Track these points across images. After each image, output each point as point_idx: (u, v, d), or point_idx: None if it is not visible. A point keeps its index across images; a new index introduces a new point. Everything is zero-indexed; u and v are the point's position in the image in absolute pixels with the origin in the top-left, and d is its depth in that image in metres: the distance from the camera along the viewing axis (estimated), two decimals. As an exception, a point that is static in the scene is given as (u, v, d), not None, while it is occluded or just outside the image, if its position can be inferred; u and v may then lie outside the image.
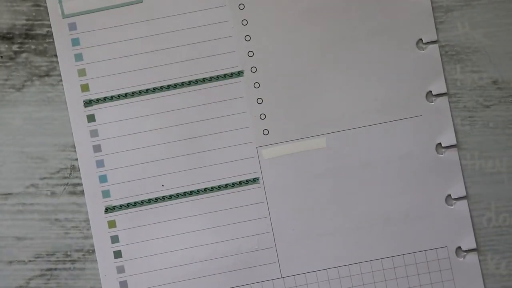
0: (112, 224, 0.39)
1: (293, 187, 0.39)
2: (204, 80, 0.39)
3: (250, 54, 0.40)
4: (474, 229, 0.39)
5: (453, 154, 0.39)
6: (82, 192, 0.39)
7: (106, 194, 0.39)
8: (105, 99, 0.39)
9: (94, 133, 0.39)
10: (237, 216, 0.39)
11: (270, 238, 0.39)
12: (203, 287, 0.39)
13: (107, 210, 0.39)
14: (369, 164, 0.39)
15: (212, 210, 0.39)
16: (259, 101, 0.40)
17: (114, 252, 0.39)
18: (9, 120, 0.40)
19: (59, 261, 0.39)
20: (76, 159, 0.40)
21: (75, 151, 0.40)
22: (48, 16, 0.40)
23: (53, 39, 0.40)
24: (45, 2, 0.40)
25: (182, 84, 0.39)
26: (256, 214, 0.39)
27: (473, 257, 0.39)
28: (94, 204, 0.39)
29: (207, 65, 0.39)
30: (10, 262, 0.39)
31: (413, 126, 0.39)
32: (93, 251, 0.39)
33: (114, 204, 0.39)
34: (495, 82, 0.40)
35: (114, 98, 0.39)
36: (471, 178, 0.40)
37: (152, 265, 0.39)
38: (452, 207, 0.39)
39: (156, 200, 0.39)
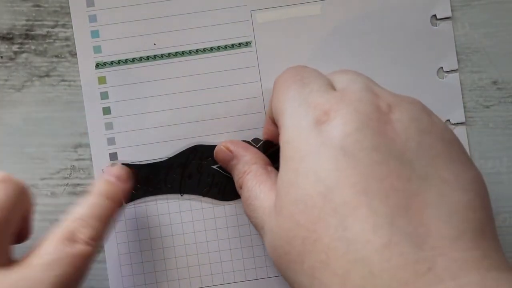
0: (102, 80, 0.39)
1: (285, 52, 0.39)
2: None
3: None
4: (464, 104, 0.39)
5: (447, 26, 0.39)
6: (82, 193, 0.39)
7: (97, 49, 0.39)
8: None
9: None
10: (228, 79, 0.39)
11: (260, 102, 0.39)
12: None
13: (98, 66, 0.39)
14: (363, 33, 0.39)
15: (203, 71, 0.39)
16: None
17: (104, 108, 0.39)
18: (9, 121, 0.40)
19: (59, 261, 0.39)
20: (76, 160, 0.39)
21: (76, 151, 0.39)
22: (48, 16, 0.40)
23: (53, 39, 0.40)
24: (46, 3, 0.40)
25: None
26: (247, 78, 0.39)
27: (461, 131, 0.39)
28: (85, 60, 0.39)
29: None
30: (10, 263, 0.39)
31: None
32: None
33: (105, 60, 0.39)
34: (495, 83, 0.40)
35: None
36: (471, 178, 0.40)
37: (141, 124, 0.39)
38: (443, 80, 0.39)
39: (148, 58, 0.39)
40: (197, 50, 0.40)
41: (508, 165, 0.40)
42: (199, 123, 0.39)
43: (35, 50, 0.40)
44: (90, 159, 0.40)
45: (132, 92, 0.39)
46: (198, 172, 0.39)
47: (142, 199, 0.39)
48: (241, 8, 0.40)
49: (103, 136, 0.39)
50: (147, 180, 0.39)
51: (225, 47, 0.40)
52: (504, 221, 0.40)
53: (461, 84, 0.40)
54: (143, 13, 0.39)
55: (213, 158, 0.39)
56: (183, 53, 0.39)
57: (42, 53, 0.40)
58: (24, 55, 0.40)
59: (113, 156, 0.39)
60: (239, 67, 0.40)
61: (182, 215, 0.39)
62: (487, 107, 0.40)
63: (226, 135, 0.39)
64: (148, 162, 0.39)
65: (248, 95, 0.39)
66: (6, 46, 0.40)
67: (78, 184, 0.40)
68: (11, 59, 0.40)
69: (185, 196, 0.39)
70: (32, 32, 0.40)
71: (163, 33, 0.39)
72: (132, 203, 0.39)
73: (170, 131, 0.39)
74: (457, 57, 0.40)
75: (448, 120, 0.39)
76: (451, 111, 0.39)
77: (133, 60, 0.39)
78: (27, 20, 0.40)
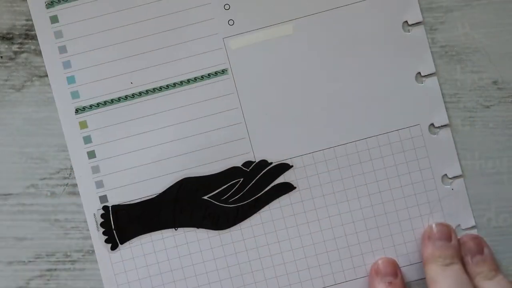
0: (83, 124, 0.39)
1: (262, 75, 0.39)
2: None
3: None
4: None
5: (419, 31, 0.39)
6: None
7: (75, 95, 0.39)
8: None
9: (58, 34, 0.39)
10: (208, 108, 0.39)
11: (243, 128, 0.39)
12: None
13: (78, 111, 0.39)
14: (337, 47, 0.39)
15: (182, 104, 0.39)
16: None
17: (88, 152, 0.39)
18: (9, 121, 0.40)
19: (59, 261, 0.39)
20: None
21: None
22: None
23: (53, 39, 0.40)
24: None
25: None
26: (227, 105, 0.39)
27: (446, 133, 0.39)
28: (64, 107, 0.39)
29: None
30: (10, 263, 0.39)
31: (379, 6, 0.39)
32: (93, 251, 0.39)
33: (84, 105, 0.39)
34: (495, 82, 0.40)
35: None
36: (471, 179, 0.40)
37: (127, 163, 0.39)
38: (422, 84, 0.39)
39: (126, 97, 0.39)
40: (174, 84, 0.39)
41: (508, 165, 0.40)
42: (185, 156, 0.39)
43: (35, 50, 0.40)
44: (90, 159, 0.40)
45: (115, 133, 0.39)
46: (190, 205, 0.39)
47: (137, 238, 0.39)
48: (213, 37, 0.39)
49: (91, 180, 0.39)
50: (139, 218, 0.39)
51: (202, 77, 0.39)
52: (504, 221, 0.40)
53: (461, 84, 0.40)
54: (116, 53, 0.39)
55: (202, 189, 0.39)
56: (160, 89, 0.39)
57: (42, 53, 0.40)
58: (24, 55, 0.40)
59: (103, 199, 0.39)
60: (218, 96, 0.39)
61: (178, 249, 0.39)
62: (487, 107, 0.40)
63: (213, 164, 0.39)
64: (139, 200, 0.39)
65: (231, 122, 0.39)
66: (6, 46, 0.40)
67: (78, 184, 0.40)
68: (11, 59, 0.40)
69: (180, 229, 0.39)
70: (32, 32, 0.40)
71: (139, 71, 0.39)
72: (127, 243, 0.39)
73: (157, 167, 0.39)
74: (457, 57, 0.40)
75: (432, 124, 0.39)
76: (434, 114, 0.39)
77: (112, 101, 0.39)
78: (27, 20, 0.40)
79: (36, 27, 0.39)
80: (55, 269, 0.39)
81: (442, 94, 0.40)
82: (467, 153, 0.40)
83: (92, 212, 0.39)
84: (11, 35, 0.40)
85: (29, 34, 0.40)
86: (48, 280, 0.39)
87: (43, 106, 0.40)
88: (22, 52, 0.40)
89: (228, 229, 0.39)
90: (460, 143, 0.40)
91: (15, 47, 0.40)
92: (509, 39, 0.40)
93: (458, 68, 0.40)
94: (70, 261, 0.39)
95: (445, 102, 0.40)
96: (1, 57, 0.40)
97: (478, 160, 0.40)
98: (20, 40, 0.40)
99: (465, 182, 0.39)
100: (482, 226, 0.40)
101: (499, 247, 0.40)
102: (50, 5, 0.39)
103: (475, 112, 0.40)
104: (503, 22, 0.40)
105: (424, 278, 0.37)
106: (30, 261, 0.39)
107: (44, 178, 0.40)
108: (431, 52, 0.40)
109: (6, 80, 0.40)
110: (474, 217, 0.39)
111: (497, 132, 0.40)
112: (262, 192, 0.39)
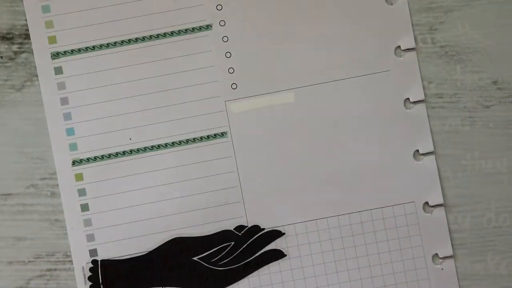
0: (79, 177, 0.39)
1: (261, 141, 0.39)
2: (172, 34, 0.39)
3: (219, 7, 0.40)
4: (441, 185, 0.39)
5: (421, 109, 0.40)
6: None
7: (73, 147, 0.39)
8: (72, 52, 0.39)
9: (61, 86, 0.39)
10: (205, 170, 0.39)
11: (238, 192, 0.39)
12: None
13: (74, 163, 0.39)
14: (337, 119, 0.39)
15: (180, 164, 0.39)
16: (228, 55, 0.40)
17: (81, 205, 0.39)
18: (9, 120, 0.40)
19: (58, 261, 0.39)
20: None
21: (75, 151, 0.40)
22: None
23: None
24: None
25: (150, 37, 0.39)
26: (224, 168, 0.39)
27: (440, 212, 0.39)
28: (61, 158, 0.39)
29: (175, 18, 0.39)
30: (10, 263, 0.39)
31: (382, 81, 0.39)
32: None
33: (81, 157, 0.39)
34: (495, 82, 0.40)
35: (82, 50, 0.39)
36: (471, 179, 0.40)
37: (120, 219, 0.39)
38: (420, 162, 0.39)
39: (124, 153, 0.39)
40: (173, 143, 0.39)
41: (508, 165, 0.40)
42: (178, 216, 0.39)
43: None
44: (90, 159, 0.40)
45: (110, 187, 0.39)
46: (179, 264, 0.39)
47: None
48: (215, 99, 0.39)
49: (82, 233, 0.39)
50: (128, 275, 0.39)
51: (201, 139, 0.39)
52: (504, 221, 0.40)
53: (461, 84, 0.40)
54: (117, 109, 0.39)
55: (193, 250, 0.39)
56: (159, 147, 0.39)
57: (42, 53, 0.40)
58: (24, 55, 0.40)
59: (93, 253, 0.39)
60: (216, 158, 0.39)
61: None
62: (487, 107, 0.40)
63: (206, 226, 0.39)
64: (129, 257, 0.39)
65: (226, 185, 0.39)
66: (6, 46, 0.40)
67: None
68: (11, 59, 0.40)
69: None
70: (32, 32, 0.40)
71: (138, 128, 0.39)
72: None
73: (149, 224, 0.39)
74: (457, 57, 0.40)
75: (427, 203, 0.39)
76: (429, 193, 0.39)
77: (109, 156, 0.39)
78: (27, 20, 0.40)
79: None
80: (55, 269, 0.39)
81: (441, 94, 0.40)
82: (467, 153, 0.40)
83: (81, 265, 0.39)
84: (11, 35, 0.40)
85: (29, 34, 0.40)
86: (48, 280, 0.39)
87: (43, 106, 0.40)
88: (22, 52, 0.40)
89: None
90: (460, 143, 0.40)
91: (15, 47, 0.40)
92: (509, 39, 0.40)
93: (458, 68, 0.40)
94: (70, 261, 0.39)
95: (445, 102, 0.40)
96: (1, 57, 0.40)
97: (478, 160, 0.40)
98: (20, 40, 0.40)
99: (465, 182, 0.39)
100: (482, 226, 0.40)
101: (499, 247, 0.40)
102: (55, 56, 0.39)
103: (475, 112, 0.40)
104: (503, 22, 0.40)
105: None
106: (30, 261, 0.39)
107: (44, 178, 0.40)
108: (431, 54, 0.40)
109: (6, 80, 0.40)
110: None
111: (497, 132, 0.40)
112: (252, 257, 0.39)
